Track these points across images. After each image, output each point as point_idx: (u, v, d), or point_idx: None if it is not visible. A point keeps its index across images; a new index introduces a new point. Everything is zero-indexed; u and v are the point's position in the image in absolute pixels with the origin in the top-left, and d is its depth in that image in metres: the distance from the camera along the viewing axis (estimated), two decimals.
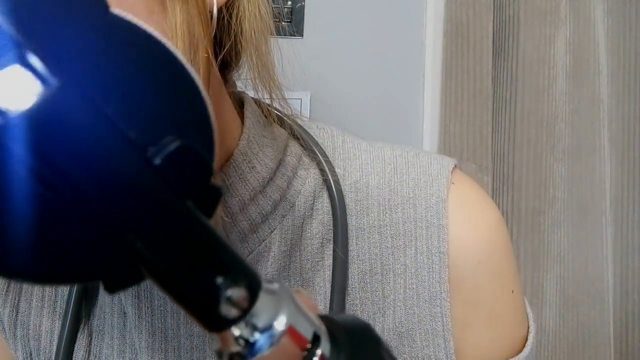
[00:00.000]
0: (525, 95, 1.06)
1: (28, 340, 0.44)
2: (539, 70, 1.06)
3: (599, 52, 1.09)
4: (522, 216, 1.07)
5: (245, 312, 0.16)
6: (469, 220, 0.40)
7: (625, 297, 1.10)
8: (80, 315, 0.42)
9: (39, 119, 0.13)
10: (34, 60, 0.14)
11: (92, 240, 0.14)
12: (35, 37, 0.14)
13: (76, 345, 0.42)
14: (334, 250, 0.39)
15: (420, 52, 1.03)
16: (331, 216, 0.40)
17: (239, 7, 0.36)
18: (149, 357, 0.41)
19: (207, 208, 0.16)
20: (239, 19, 0.36)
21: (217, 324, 0.16)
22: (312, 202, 0.40)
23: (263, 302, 0.16)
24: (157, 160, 0.15)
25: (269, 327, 0.16)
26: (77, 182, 0.14)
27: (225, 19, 0.36)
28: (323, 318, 0.18)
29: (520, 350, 0.41)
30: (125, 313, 0.42)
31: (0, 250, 0.14)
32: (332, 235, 0.40)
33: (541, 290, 1.07)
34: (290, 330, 0.16)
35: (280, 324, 0.16)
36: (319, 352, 0.17)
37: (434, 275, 0.39)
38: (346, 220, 0.40)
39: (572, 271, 1.08)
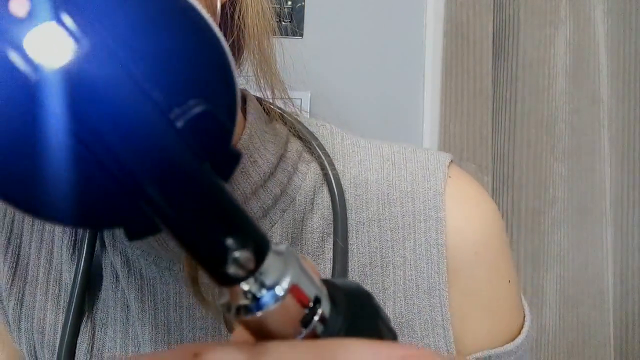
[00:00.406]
0: (525, 95, 1.06)
1: (32, 333, 0.44)
2: (539, 70, 1.06)
3: (599, 52, 1.09)
4: (522, 216, 1.07)
5: (252, 272, 0.17)
6: (465, 212, 0.41)
7: (625, 297, 1.10)
8: (83, 308, 0.43)
9: (70, 75, 0.15)
10: (67, 20, 0.15)
11: (116, 190, 0.15)
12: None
13: (79, 338, 0.42)
14: (334, 242, 0.40)
15: (420, 52, 1.03)
16: (331, 211, 0.41)
17: (242, 4, 0.36)
18: (152, 350, 0.41)
19: (225, 171, 0.17)
20: (242, 15, 0.37)
21: (225, 280, 0.17)
22: (312, 196, 0.41)
23: (271, 262, 0.17)
24: (179, 123, 0.16)
25: (275, 285, 0.17)
26: (104, 137, 0.15)
27: (229, 14, 0.36)
28: (325, 282, 0.19)
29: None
30: (128, 306, 0.42)
31: (36, 195, 0.15)
32: (332, 229, 0.41)
33: (541, 290, 1.07)
34: (294, 289, 0.17)
35: (285, 282, 0.17)
36: (319, 311, 0.18)
37: (432, 267, 0.40)
38: (346, 213, 0.41)
39: (572, 271, 1.08)
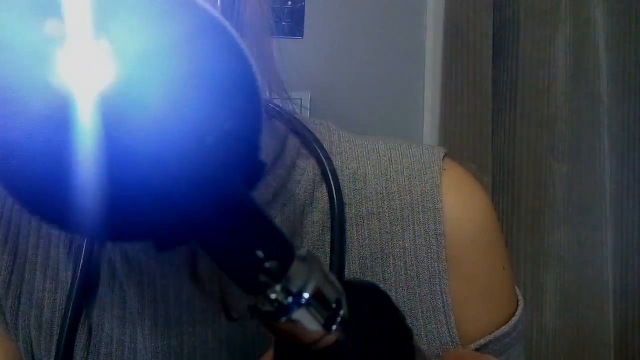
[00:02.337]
0: (525, 95, 1.06)
1: (29, 331, 0.44)
2: (539, 70, 1.06)
3: (599, 52, 1.08)
4: (522, 216, 1.07)
5: (278, 279, 0.18)
6: (461, 202, 0.43)
7: (625, 297, 1.10)
8: (80, 306, 0.43)
9: (108, 97, 0.15)
10: (104, 44, 0.15)
11: (150, 206, 0.16)
12: (106, 22, 0.15)
13: (76, 335, 0.43)
14: (331, 234, 0.41)
15: (420, 52, 1.03)
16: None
17: (240, 1, 0.37)
18: (152, 345, 0.42)
19: (251, 182, 0.18)
20: (240, 12, 0.37)
21: (254, 289, 0.18)
22: (312, 191, 0.42)
23: (296, 270, 0.18)
24: (210, 139, 0.16)
25: (300, 291, 0.18)
26: (137, 154, 0.16)
27: (228, 12, 0.37)
28: (343, 282, 0.20)
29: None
30: (125, 302, 0.43)
31: (72, 212, 0.16)
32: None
33: (541, 290, 1.07)
34: (317, 294, 0.18)
35: (309, 288, 0.18)
36: (341, 312, 0.19)
37: (432, 256, 0.42)
38: (344, 207, 0.42)
39: (572, 271, 1.08)
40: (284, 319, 0.18)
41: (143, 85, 0.15)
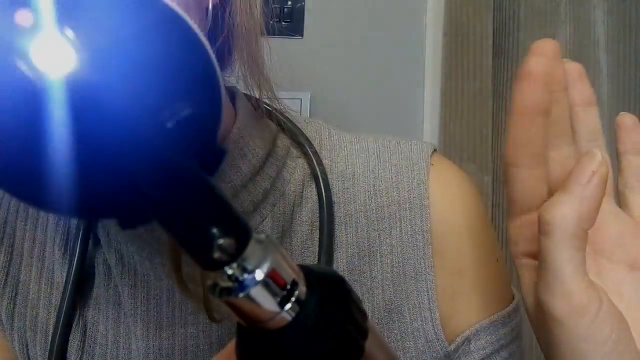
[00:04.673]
0: None
1: (25, 332, 0.44)
2: None
3: (599, 52, 1.09)
4: None
5: (235, 257, 0.19)
6: (449, 196, 0.43)
7: None
8: (75, 306, 0.43)
9: (71, 81, 0.16)
10: (68, 31, 0.16)
11: (113, 184, 0.17)
12: (72, 13, 0.17)
13: (71, 336, 0.43)
14: (319, 233, 0.42)
15: (420, 52, 1.03)
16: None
17: (232, 4, 0.38)
18: (144, 345, 0.42)
19: (212, 167, 0.19)
20: (232, 15, 0.38)
21: (210, 265, 0.19)
22: (301, 190, 0.43)
23: (252, 249, 0.19)
24: (169, 124, 0.17)
25: (255, 269, 0.19)
26: (101, 137, 0.17)
27: (219, 15, 0.38)
28: (303, 267, 0.22)
29: None
30: (120, 303, 0.43)
31: (40, 189, 0.17)
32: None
33: None
34: (273, 273, 0.20)
35: (265, 267, 0.19)
36: (296, 293, 0.20)
37: (418, 253, 0.42)
38: (332, 208, 0.42)
39: None
40: (241, 294, 0.19)
41: (106, 73, 0.17)
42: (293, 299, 0.20)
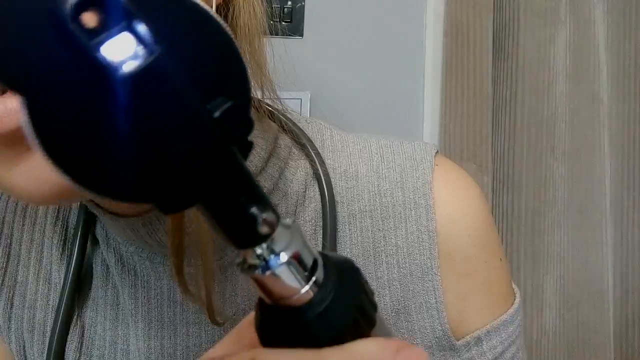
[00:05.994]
0: (525, 95, 1.06)
1: (22, 333, 0.44)
2: (539, 70, 1.06)
3: (599, 52, 1.09)
4: (522, 216, 1.07)
5: (265, 239, 0.21)
6: (454, 198, 0.43)
7: (625, 297, 1.10)
8: (73, 307, 0.43)
9: (142, 78, 0.18)
10: (142, 29, 0.18)
11: (164, 169, 0.19)
12: (143, 10, 0.18)
13: (69, 337, 0.43)
14: (323, 233, 0.42)
15: (420, 52, 1.03)
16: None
17: (235, 5, 0.38)
18: (145, 345, 0.42)
19: (245, 154, 0.21)
20: (234, 16, 0.38)
21: (252, 241, 0.21)
22: (304, 190, 0.42)
23: (280, 233, 0.22)
24: (217, 114, 0.19)
25: (282, 251, 0.21)
26: (161, 127, 0.18)
27: (222, 14, 0.37)
28: (322, 254, 0.24)
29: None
30: (118, 304, 0.43)
31: (105, 177, 0.19)
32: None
33: (541, 290, 1.07)
34: (296, 256, 0.22)
35: (290, 250, 0.21)
36: (316, 274, 0.22)
37: (424, 253, 0.42)
38: (335, 209, 0.42)
39: (572, 271, 1.08)
40: (268, 272, 0.21)
41: (172, 67, 0.18)
42: (313, 279, 0.22)
